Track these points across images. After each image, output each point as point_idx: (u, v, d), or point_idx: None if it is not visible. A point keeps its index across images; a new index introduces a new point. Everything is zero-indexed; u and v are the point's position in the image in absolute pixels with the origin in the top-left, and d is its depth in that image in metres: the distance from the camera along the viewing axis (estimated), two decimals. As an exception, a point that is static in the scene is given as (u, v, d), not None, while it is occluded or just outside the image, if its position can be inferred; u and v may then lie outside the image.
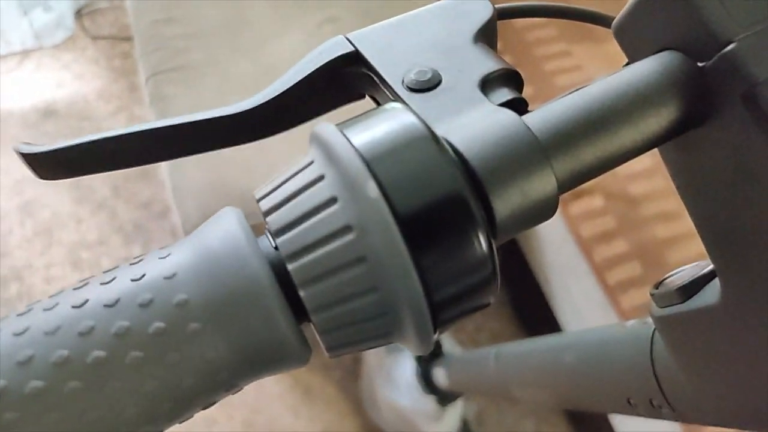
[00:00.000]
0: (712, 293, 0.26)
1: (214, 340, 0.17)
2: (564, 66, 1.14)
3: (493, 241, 0.18)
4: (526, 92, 0.23)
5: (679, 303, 0.27)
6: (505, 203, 0.19)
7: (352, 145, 0.18)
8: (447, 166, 0.17)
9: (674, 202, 1.00)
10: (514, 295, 1.29)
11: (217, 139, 0.25)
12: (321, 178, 0.18)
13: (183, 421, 0.18)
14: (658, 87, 0.20)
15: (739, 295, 0.24)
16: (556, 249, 1.02)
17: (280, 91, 0.24)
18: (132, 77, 1.65)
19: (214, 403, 0.18)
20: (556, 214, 0.20)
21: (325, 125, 0.19)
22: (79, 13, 1.75)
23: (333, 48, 0.24)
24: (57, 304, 0.17)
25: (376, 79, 0.23)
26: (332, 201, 0.17)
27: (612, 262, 0.93)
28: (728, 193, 0.22)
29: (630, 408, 0.35)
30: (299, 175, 0.18)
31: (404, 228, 0.17)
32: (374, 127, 0.18)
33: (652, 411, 0.34)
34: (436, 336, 0.19)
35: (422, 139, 0.18)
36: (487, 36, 0.24)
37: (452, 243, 0.17)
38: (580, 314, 0.97)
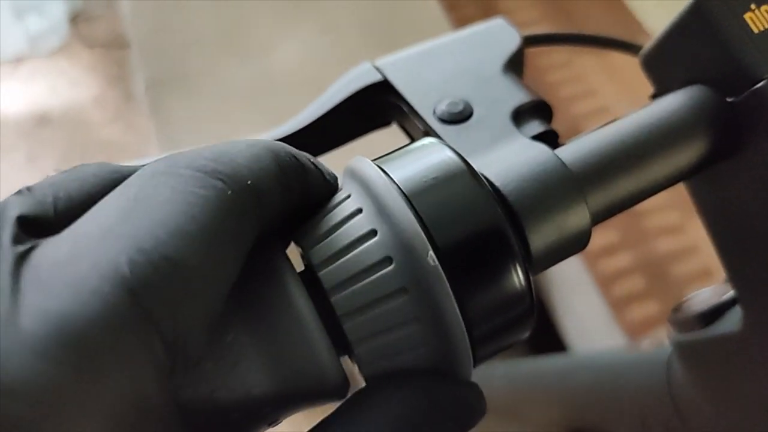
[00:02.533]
0: (733, 320, 0.26)
1: (260, 377, 0.17)
2: (567, 76, 1.15)
3: (530, 275, 0.18)
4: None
5: (699, 329, 0.28)
6: (541, 237, 0.19)
7: (392, 180, 0.18)
8: (487, 200, 0.18)
9: (677, 215, 1.02)
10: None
11: None
12: (359, 211, 0.18)
13: None
14: (689, 122, 0.21)
15: (762, 324, 0.24)
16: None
17: (311, 120, 0.24)
18: (128, 85, 1.65)
19: None
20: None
21: (361, 160, 0.19)
22: (74, 20, 1.75)
23: (361, 76, 0.24)
24: None
25: (405, 108, 0.23)
26: (372, 233, 0.17)
27: (616, 276, 0.94)
28: (755, 224, 0.22)
29: (644, 431, 0.35)
30: (337, 209, 0.18)
31: (445, 262, 0.17)
32: (412, 163, 0.18)
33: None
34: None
35: (461, 175, 0.18)
36: (515, 65, 0.25)
37: (493, 278, 0.17)
38: (584, 328, 0.97)
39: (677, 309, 0.30)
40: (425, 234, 0.17)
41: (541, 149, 0.20)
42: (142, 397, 0.13)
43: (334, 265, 0.17)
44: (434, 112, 0.23)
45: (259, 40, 1.19)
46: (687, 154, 0.21)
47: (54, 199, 0.16)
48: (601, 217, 0.20)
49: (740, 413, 0.28)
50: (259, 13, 1.22)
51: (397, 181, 0.18)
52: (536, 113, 0.23)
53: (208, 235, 0.14)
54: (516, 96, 0.23)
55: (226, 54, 1.18)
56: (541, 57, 1.20)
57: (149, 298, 0.13)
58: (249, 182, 0.16)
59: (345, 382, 0.19)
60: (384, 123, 0.26)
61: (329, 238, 0.18)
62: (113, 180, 0.17)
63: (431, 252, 0.17)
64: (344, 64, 0.26)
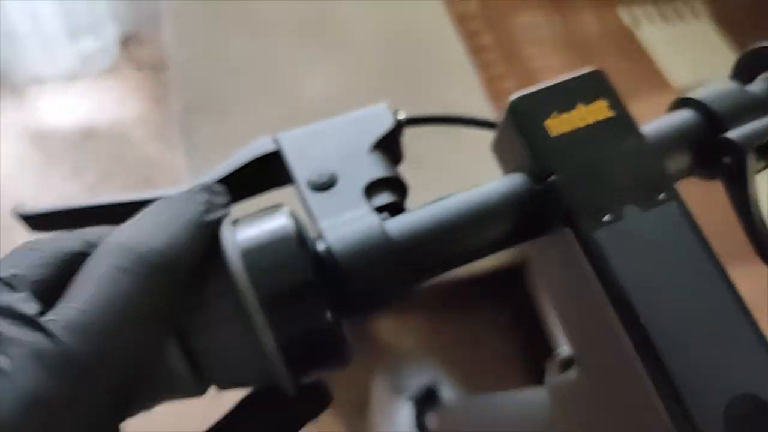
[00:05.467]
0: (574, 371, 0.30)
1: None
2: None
3: (337, 313, 0.23)
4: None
5: (560, 374, 0.32)
6: (360, 288, 0.24)
7: (235, 238, 0.23)
8: (303, 260, 0.23)
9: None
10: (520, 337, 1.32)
11: None
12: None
13: None
14: (500, 205, 0.25)
15: (592, 378, 0.28)
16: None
17: (213, 180, 0.30)
18: (170, 106, 1.74)
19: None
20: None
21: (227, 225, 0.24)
22: (124, 43, 1.86)
23: (260, 147, 0.30)
24: None
25: (290, 175, 0.29)
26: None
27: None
28: (569, 293, 0.26)
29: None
30: None
31: (264, 302, 0.22)
32: (257, 224, 0.24)
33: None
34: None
35: (288, 239, 0.23)
36: (387, 143, 0.30)
37: (300, 311, 0.23)
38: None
39: (553, 354, 0.34)
40: (252, 284, 0.22)
41: (372, 220, 0.25)
42: None
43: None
44: (308, 181, 0.28)
45: (288, 72, 1.26)
46: (497, 230, 0.25)
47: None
48: (420, 277, 0.25)
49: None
50: (290, 49, 1.29)
51: (239, 239, 0.23)
52: (387, 187, 0.27)
53: None
54: (373, 172, 0.28)
55: (256, 85, 1.25)
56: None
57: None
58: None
59: (199, 384, 0.24)
60: (283, 182, 0.31)
61: None
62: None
63: (251, 288, 0.22)
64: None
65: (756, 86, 0.28)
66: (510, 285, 1.37)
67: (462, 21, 1.27)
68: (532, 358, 1.29)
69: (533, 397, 0.47)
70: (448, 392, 1.08)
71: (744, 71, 0.29)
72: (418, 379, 1.17)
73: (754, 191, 0.26)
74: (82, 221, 0.30)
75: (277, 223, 0.24)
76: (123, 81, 1.83)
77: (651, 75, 1.30)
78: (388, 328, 1.50)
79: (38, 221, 0.30)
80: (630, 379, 0.24)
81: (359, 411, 1.30)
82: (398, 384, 1.21)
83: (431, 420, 0.99)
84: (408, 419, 1.12)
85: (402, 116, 0.31)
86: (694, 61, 1.28)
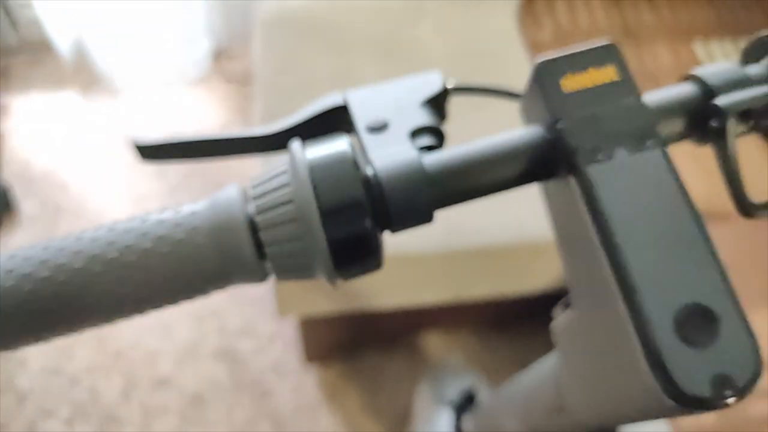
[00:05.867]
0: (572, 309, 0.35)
1: (207, 251, 0.29)
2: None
3: (377, 226, 0.29)
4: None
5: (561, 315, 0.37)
6: (397, 205, 0.30)
7: (305, 156, 0.29)
8: (354, 177, 0.29)
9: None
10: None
11: (252, 148, 0.37)
12: (285, 172, 0.30)
13: (179, 302, 0.30)
14: (516, 148, 0.31)
15: (584, 313, 0.33)
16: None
17: (293, 124, 0.36)
18: (252, 118, 1.85)
19: (200, 294, 0.30)
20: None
21: (296, 142, 0.31)
22: (216, 57, 1.99)
23: (330, 100, 0.36)
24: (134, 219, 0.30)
25: (352, 122, 0.35)
26: (287, 185, 0.29)
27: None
28: (568, 233, 0.32)
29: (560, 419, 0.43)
30: (275, 169, 0.30)
31: (321, 206, 0.28)
32: (324, 148, 0.30)
33: (564, 416, 0.42)
34: (336, 274, 0.30)
35: (345, 160, 0.29)
36: (435, 102, 0.36)
37: (347, 217, 0.29)
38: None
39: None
40: (313, 190, 0.28)
41: (412, 153, 0.31)
42: None
43: (262, 199, 0.29)
44: (365, 126, 0.34)
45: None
46: (512, 170, 0.31)
47: None
48: (446, 202, 0.31)
49: (590, 384, 0.36)
50: (367, 66, 1.37)
51: (308, 156, 0.29)
52: (429, 133, 0.34)
53: None
54: (419, 121, 0.34)
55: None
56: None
57: None
58: None
59: (262, 271, 0.30)
60: (347, 130, 0.37)
61: (264, 185, 0.30)
62: None
63: (313, 196, 0.28)
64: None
65: (755, 67, 0.33)
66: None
67: (535, 47, 1.32)
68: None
69: (549, 362, 0.52)
70: (485, 395, 1.11)
71: (750, 56, 0.34)
72: (458, 387, 1.20)
73: (734, 151, 0.31)
74: (190, 153, 0.37)
75: (339, 147, 0.30)
76: (212, 91, 1.96)
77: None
78: (437, 344, 1.54)
79: (150, 152, 0.37)
80: (610, 302, 0.28)
81: (402, 422, 1.34)
82: (440, 392, 1.25)
83: (467, 423, 1.02)
84: (447, 426, 1.15)
85: (450, 84, 0.37)
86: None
